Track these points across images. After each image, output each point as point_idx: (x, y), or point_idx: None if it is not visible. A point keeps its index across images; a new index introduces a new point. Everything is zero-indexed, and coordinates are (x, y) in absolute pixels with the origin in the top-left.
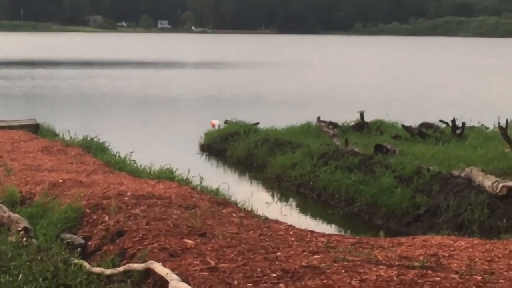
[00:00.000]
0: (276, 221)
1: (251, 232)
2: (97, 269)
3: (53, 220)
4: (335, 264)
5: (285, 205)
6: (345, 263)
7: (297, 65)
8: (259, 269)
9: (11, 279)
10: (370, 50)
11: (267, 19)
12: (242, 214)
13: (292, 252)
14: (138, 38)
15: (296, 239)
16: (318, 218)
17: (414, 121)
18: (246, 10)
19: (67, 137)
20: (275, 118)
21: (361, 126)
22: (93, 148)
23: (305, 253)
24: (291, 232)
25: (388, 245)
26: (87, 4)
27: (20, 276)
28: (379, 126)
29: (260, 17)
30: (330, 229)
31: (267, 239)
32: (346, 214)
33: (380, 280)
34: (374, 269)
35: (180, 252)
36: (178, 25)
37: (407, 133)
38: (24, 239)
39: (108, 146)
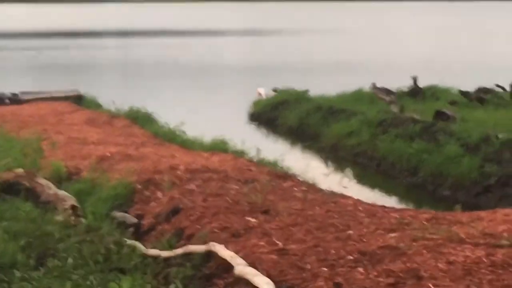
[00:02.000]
0: (342, 196)
1: (317, 208)
2: (153, 252)
3: (102, 197)
4: (415, 244)
5: (344, 176)
6: (425, 242)
7: (340, 31)
8: (333, 251)
9: (59, 264)
10: (412, 15)
11: None
12: (304, 188)
13: (365, 230)
14: (179, 7)
15: (366, 215)
16: (380, 189)
17: (468, 87)
18: None
19: (112, 108)
20: (322, 86)
21: (415, 92)
22: (140, 119)
23: (379, 231)
24: (360, 208)
25: (467, 220)
26: None
27: (69, 260)
28: (434, 92)
29: None
30: (395, 201)
31: (335, 216)
32: (410, 185)
33: (468, 261)
34: (458, 248)
35: (243, 232)
36: None
37: (464, 99)
38: (72, 218)
39: (155, 116)
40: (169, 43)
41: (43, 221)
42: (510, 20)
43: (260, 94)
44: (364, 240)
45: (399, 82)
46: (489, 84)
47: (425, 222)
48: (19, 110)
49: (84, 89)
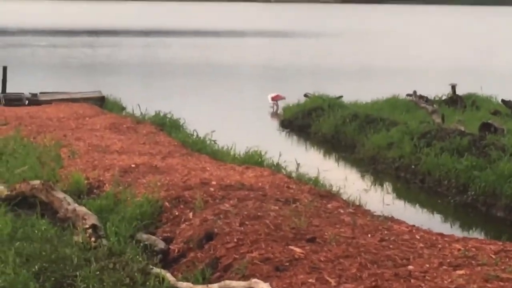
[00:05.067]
0: (394, 220)
1: (369, 235)
2: (184, 285)
3: (127, 215)
4: (489, 286)
5: (386, 192)
6: (501, 283)
7: (364, 35)
8: None
9: None
10: (438, 19)
11: None
12: (351, 210)
13: (427, 265)
14: (200, 6)
15: (425, 245)
16: (427, 209)
17: (506, 95)
18: None
19: (136, 112)
20: (350, 91)
21: (454, 100)
22: (166, 126)
23: (443, 267)
24: (417, 236)
25: None
26: None
27: None
28: (474, 101)
29: None
30: (444, 223)
31: (391, 246)
32: (459, 205)
33: None
34: None
35: (287, 264)
36: None
37: (507, 109)
38: (93, 239)
39: (183, 123)
40: (195, 43)
41: (60, 242)
42: None
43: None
44: (428, 278)
45: (430, 89)
46: None
47: (493, 256)
48: (37, 112)
49: (106, 90)
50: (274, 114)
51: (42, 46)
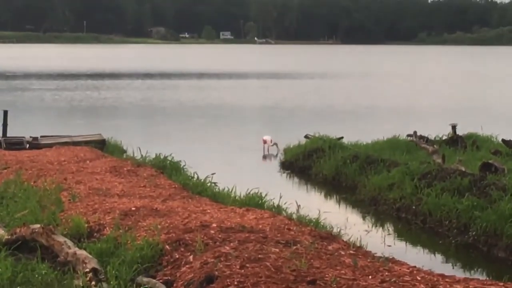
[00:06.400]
0: (395, 261)
1: (370, 277)
2: None
3: (127, 259)
4: None
5: (387, 233)
6: None
7: (363, 75)
8: None
9: None
10: (438, 59)
11: (330, 30)
12: (352, 252)
13: None
14: (201, 49)
15: (426, 286)
16: (428, 249)
17: (507, 135)
18: (309, 21)
19: (136, 155)
20: (351, 131)
21: (455, 140)
22: (167, 168)
23: None
24: (418, 277)
25: None
26: (149, 15)
27: None
28: (475, 141)
29: (323, 28)
30: (445, 263)
31: (392, 287)
32: (460, 245)
33: None
34: None
35: None
36: (240, 36)
37: (507, 148)
38: (93, 283)
39: (183, 165)
40: (198, 85)
41: (60, 287)
42: None
43: (265, 142)
44: None
45: (430, 129)
46: None
47: None
48: (38, 156)
49: (109, 133)
50: (268, 156)
51: (46, 90)
